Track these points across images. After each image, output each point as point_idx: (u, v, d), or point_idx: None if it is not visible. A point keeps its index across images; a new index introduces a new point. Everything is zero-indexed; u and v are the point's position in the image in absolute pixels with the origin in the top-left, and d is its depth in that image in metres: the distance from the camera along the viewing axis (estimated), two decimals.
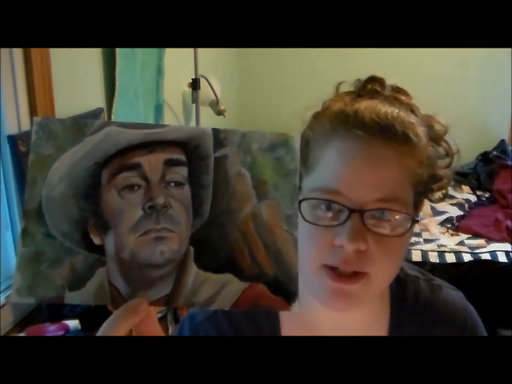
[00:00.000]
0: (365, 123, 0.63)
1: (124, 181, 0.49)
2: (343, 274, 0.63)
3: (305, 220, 0.64)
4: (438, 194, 0.71)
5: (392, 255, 0.64)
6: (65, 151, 0.49)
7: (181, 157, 0.50)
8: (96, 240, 0.49)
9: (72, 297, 0.48)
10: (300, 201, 0.64)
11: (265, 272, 0.50)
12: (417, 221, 0.65)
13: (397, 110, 0.65)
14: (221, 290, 0.50)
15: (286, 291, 0.50)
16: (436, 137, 0.68)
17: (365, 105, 0.65)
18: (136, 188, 0.49)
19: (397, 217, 0.63)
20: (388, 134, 0.63)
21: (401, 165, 0.63)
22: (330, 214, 0.63)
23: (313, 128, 0.69)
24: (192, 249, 0.50)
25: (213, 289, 0.49)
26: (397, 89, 0.70)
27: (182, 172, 0.50)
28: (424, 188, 0.67)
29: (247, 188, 0.50)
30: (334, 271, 0.64)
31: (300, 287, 0.72)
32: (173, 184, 0.50)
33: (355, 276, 0.63)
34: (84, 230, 0.49)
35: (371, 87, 0.70)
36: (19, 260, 0.47)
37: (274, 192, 0.50)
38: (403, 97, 0.69)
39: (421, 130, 0.66)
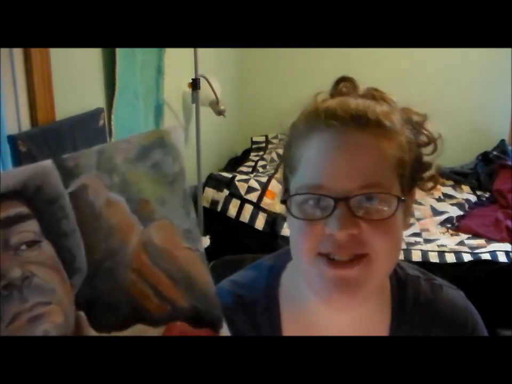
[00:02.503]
0: (337, 114, 0.65)
1: None
2: (341, 261, 0.64)
3: (294, 217, 0.65)
4: (430, 184, 0.72)
5: (388, 236, 0.64)
6: None
7: (22, 209, 0.38)
8: None
9: None
10: (286, 200, 0.66)
11: (180, 306, 0.42)
12: (403, 200, 0.65)
13: (368, 101, 0.67)
14: None
15: (209, 319, 0.43)
16: (416, 127, 0.70)
17: (336, 101, 0.68)
18: None
19: (382, 200, 0.64)
20: (361, 122, 0.64)
21: (378, 150, 0.64)
22: (317, 208, 0.64)
23: (291, 134, 0.71)
24: (82, 314, 0.40)
25: None
26: (372, 89, 0.71)
27: (31, 227, 0.38)
28: (412, 174, 0.68)
29: (125, 215, 0.39)
30: (330, 260, 0.64)
31: (300, 287, 0.73)
32: (24, 246, 0.38)
33: (354, 259, 0.64)
34: None
35: (342, 87, 0.71)
36: None
37: (162, 208, 0.40)
38: (376, 93, 0.70)
39: (396, 118, 0.67)
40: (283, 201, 0.68)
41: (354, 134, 0.64)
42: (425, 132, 0.71)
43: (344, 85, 0.71)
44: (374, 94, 0.70)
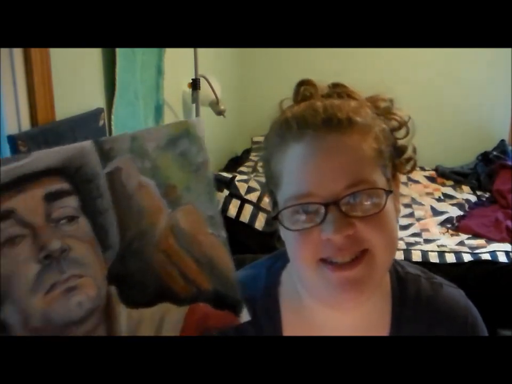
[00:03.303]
0: (307, 121, 0.65)
1: None
2: (343, 263, 0.64)
3: (288, 229, 0.66)
4: (409, 165, 0.72)
5: (383, 228, 0.65)
6: None
7: (63, 185, 0.41)
8: None
9: None
10: (277, 215, 0.66)
11: (203, 289, 0.43)
12: (391, 192, 0.65)
13: (334, 101, 0.68)
14: (161, 324, 0.43)
15: (230, 303, 0.44)
16: (384, 113, 0.70)
17: (302, 107, 0.68)
18: (18, 239, 0.39)
19: (370, 195, 0.64)
20: (332, 124, 0.65)
21: (356, 147, 0.65)
22: (309, 216, 0.64)
23: (266, 147, 0.71)
24: (113, 288, 0.42)
25: (152, 326, 0.43)
26: (333, 85, 0.72)
27: (71, 203, 0.41)
28: (392, 161, 0.69)
29: (155, 198, 0.42)
30: (333, 263, 0.64)
31: (300, 286, 0.73)
32: (64, 220, 0.41)
33: (355, 258, 0.64)
34: None
35: (303, 90, 0.71)
36: None
37: (188, 194, 0.43)
38: (339, 90, 0.71)
39: (365, 111, 0.67)
40: (275, 217, 0.68)
41: (329, 137, 0.65)
42: (394, 117, 0.71)
43: (305, 88, 0.71)
44: (338, 92, 0.70)
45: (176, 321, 0.43)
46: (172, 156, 0.41)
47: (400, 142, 0.71)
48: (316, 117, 0.65)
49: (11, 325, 0.40)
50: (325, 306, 0.70)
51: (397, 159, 0.71)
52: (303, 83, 0.72)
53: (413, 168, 0.73)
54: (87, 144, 0.41)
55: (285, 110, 0.70)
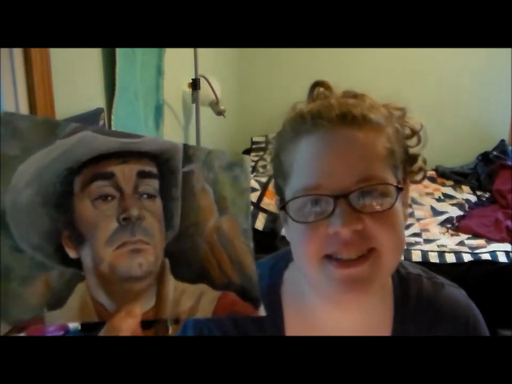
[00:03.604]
0: (322, 114, 0.66)
1: (97, 190, 0.47)
2: (348, 260, 0.63)
3: (296, 221, 0.65)
4: (419, 175, 0.73)
5: (391, 227, 0.65)
6: (33, 153, 0.44)
7: (153, 169, 0.50)
8: (72, 253, 0.47)
9: (54, 318, 0.45)
10: (285, 205, 0.67)
11: (233, 281, 0.52)
12: (401, 189, 0.65)
13: (349, 100, 0.68)
14: (199, 300, 0.51)
15: (252, 297, 0.53)
16: (398, 121, 0.71)
17: (317, 103, 0.69)
18: (109, 198, 0.48)
19: (381, 191, 0.64)
20: (347, 119, 0.65)
21: (369, 143, 0.65)
22: (318, 209, 0.64)
23: (277, 143, 0.73)
24: (167, 261, 0.50)
25: (192, 299, 0.51)
26: (349, 91, 0.72)
27: (154, 184, 0.50)
28: (403, 166, 0.69)
29: (211, 202, 0.52)
30: (337, 260, 0.64)
31: (303, 286, 0.73)
32: (145, 196, 0.49)
33: (361, 256, 0.64)
34: (57, 242, 0.46)
35: (317, 92, 0.72)
36: None
37: (233, 207, 0.53)
38: (356, 93, 0.71)
39: (379, 110, 0.68)
40: (282, 208, 0.68)
41: (343, 131, 0.65)
42: (407, 125, 0.72)
43: (320, 89, 0.72)
44: (353, 94, 0.71)
45: (211, 301, 0.52)
46: (228, 176, 0.53)
47: (412, 151, 0.72)
48: (331, 111, 0.66)
49: (85, 264, 0.47)
50: (328, 305, 0.70)
51: (408, 166, 0.71)
52: (318, 84, 0.73)
53: (422, 179, 0.73)
54: (179, 144, 0.51)
55: (300, 107, 0.70)
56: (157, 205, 0.50)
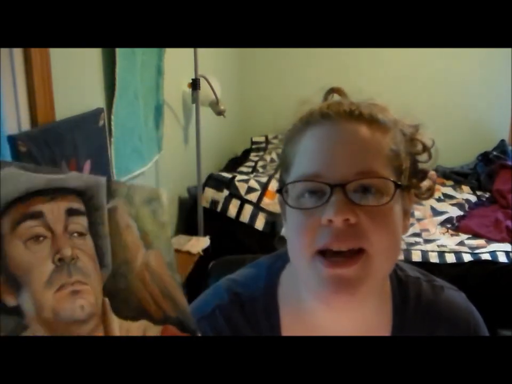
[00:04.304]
0: (331, 112, 0.67)
1: (28, 231, 0.45)
2: (338, 259, 0.63)
3: (291, 206, 0.66)
4: (427, 194, 0.73)
5: (385, 228, 0.64)
6: None
7: (81, 206, 0.49)
8: (10, 301, 0.45)
9: None
10: (281, 189, 0.68)
11: (169, 315, 0.52)
12: (400, 186, 0.65)
13: (361, 101, 0.70)
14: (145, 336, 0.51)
15: (188, 329, 0.52)
16: (410, 138, 0.71)
17: (330, 102, 0.71)
18: (41, 238, 0.46)
19: (378, 186, 0.64)
20: (355, 116, 0.67)
21: (373, 139, 0.66)
22: (314, 197, 0.64)
23: (286, 136, 0.73)
24: (107, 300, 0.49)
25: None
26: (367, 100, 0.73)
27: (83, 222, 0.49)
28: (409, 178, 0.69)
29: (136, 238, 0.51)
30: (328, 258, 0.63)
31: (299, 287, 0.73)
32: (76, 234, 0.48)
33: (350, 257, 0.63)
34: None
35: (331, 98, 0.74)
36: None
37: (156, 241, 0.51)
38: (372, 101, 0.72)
39: (389, 113, 0.69)
40: (279, 190, 0.68)
41: (348, 125, 0.66)
42: (418, 142, 0.72)
43: (334, 95, 0.74)
44: (368, 101, 0.71)
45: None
46: (147, 211, 0.51)
47: (421, 166, 0.72)
48: (340, 107, 0.68)
49: (26, 312, 0.45)
50: (322, 305, 0.70)
51: (417, 181, 0.71)
52: (333, 90, 0.74)
53: (429, 197, 0.73)
54: (103, 179, 0.50)
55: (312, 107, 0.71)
56: (88, 244, 0.49)
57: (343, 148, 0.65)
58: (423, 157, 0.72)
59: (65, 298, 0.46)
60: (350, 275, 0.63)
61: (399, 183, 0.65)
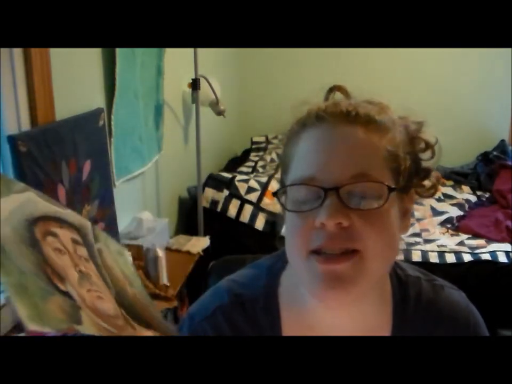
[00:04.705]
0: (327, 110, 0.67)
1: (52, 243, 0.51)
2: (332, 256, 0.63)
3: (286, 209, 0.67)
4: (430, 191, 0.73)
5: (379, 230, 0.64)
6: None
7: (79, 239, 0.54)
8: (61, 286, 0.49)
9: (84, 330, 0.48)
10: (277, 192, 0.69)
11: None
12: (394, 189, 0.65)
13: (360, 102, 0.69)
14: None
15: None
16: (413, 136, 0.71)
17: (328, 102, 0.70)
18: (63, 251, 0.52)
19: (372, 190, 0.64)
20: (351, 117, 0.66)
21: (368, 142, 0.65)
22: (310, 200, 0.65)
23: (285, 137, 0.73)
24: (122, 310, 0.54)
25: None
26: (367, 99, 0.72)
27: (84, 251, 0.54)
28: (409, 176, 0.69)
29: (122, 275, 0.57)
30: (321, 255, 0.64)
31: (300, 286, 0.73)
32: (83, 258, 0.53)
33: (344, 254, 0.63)
34: (47, 275, 0.49)
35: (333, 96, 0.73)
36: (8, 289, 0.45)
37: (135, 283, 0.57)
38: (372, 100, 0.71)
39: (388, 115, 0.69)
40: (275, 194, 0.69)
41: (344, 127, 0.66)
42: (422, 139, 0.71)
43: (334, 94, 0.73)
44: (369, 100, 0.71)
45: None
46: (121, 259, 0.58)
47: (424, 164, 0.71)
48: (336, 108, 0.67)
49: (74, 297, 0.49)
50: (321, 304, 0.70)
51: (419, 179, 0.71)
52: (335, 88, 0.74)
53: (432, 195, 0.73)
54: (89, 223, 0.56)
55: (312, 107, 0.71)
56: (93, 268, 0.54)
57: (337, 151, 0.65)
58: (426, 154, 0.72)
59: (95, 299, 0.51)
60: (343, 271, 0.63)
61: (393, 186, 0.65)
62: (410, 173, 0.69)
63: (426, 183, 0.72)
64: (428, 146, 0.71)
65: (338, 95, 0.74)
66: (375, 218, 0.64)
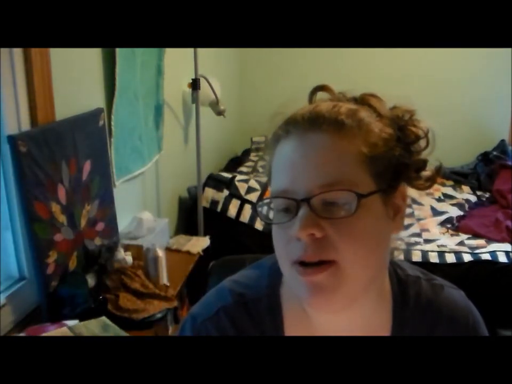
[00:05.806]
0: (296, 120, 0.67)
1: None
2: (309, 268, 0.63)
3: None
4: (427, 183, 0.71)
5: (355, 238, 0.63)
6: None
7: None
8: None
9: None
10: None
11: None
12: (363, 196, 0.63)
13: (334, 103, 0.68)
14: None
15: None
16: (403, 126, 0.69)
17: (303, 108, 0.68)
18: None
19: (343, 198, 0.63)
20: (316, 123, 0.65)
21: (337, 147, 0.64)
22: (287, 213, 0.65)
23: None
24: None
25: None
26: (362, 96, 0.71)
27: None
28: (395, 171, 0.67)
29: None
30: (301, 267, 0.64)
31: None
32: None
33: (321, 265, 0.63)
34: None
35: (315, 97, 0.72)
36: None
37: None
38: (360, 96, 0.70)
39: (364, 114, 0.67)
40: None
41: (310, 136, 0.65)
42: (413, 129, 0.70)
43: (318, 94, 0.72)
44: (353, 96, 0.70)
45: None
46: None
47: (419, 156, 0.69)
48: (304, 115, 0.66)
49: None
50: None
51: (412, 172, 0.69)
52: (318, 88, 0.73)
53: (430, 186, 0.71)
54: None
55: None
56: None
57: (306, 161, 0.64)
58: (419, 145, 0.70)
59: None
60: (322, 282, 0.63)
61: (368, 192, 0.63)
62: (397, 169, 0.67)
63: (424, 174, 0.70)
64: (417, 137, 0.70)
65: (325, 95, 0.72)
66: (351, 226, 0.62)
